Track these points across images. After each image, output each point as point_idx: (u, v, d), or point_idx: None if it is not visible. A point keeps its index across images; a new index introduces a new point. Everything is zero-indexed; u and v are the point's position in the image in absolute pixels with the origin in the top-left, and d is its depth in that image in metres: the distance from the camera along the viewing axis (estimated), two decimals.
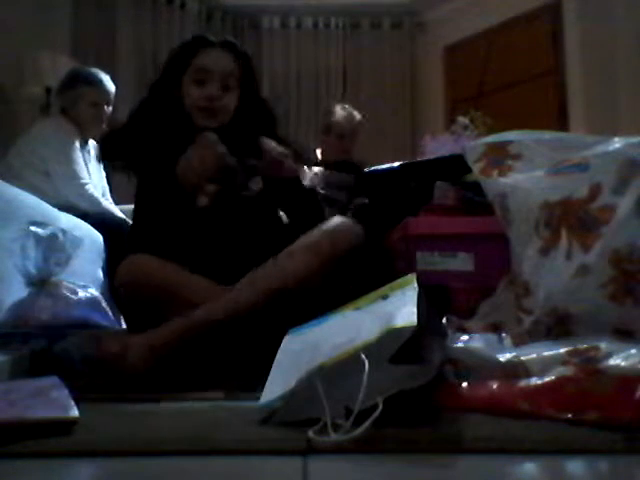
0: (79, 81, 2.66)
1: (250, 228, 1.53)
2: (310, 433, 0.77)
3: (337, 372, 0.87)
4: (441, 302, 1.50)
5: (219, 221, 1.52)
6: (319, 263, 1.21)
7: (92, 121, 2.66)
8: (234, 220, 1.53)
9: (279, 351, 1.10)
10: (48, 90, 3.45)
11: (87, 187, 2.52)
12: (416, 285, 1.04)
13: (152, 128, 1.52)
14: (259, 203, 1.56)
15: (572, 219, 1.28)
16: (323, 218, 1.54)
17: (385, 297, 1.07)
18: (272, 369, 1.03)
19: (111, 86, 2.72)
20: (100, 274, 2.29)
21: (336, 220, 1.41)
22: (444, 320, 1.29)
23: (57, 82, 2.85)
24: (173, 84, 1.58)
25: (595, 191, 1.28)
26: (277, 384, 0.95)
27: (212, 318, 1.27)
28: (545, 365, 0.99)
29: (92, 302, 1.61)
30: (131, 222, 1.79)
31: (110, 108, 2.72)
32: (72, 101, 2.64)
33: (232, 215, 1.53)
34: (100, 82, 2.68)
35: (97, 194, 2.58)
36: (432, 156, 2.01)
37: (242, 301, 1.29)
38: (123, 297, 1.41)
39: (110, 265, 2.32)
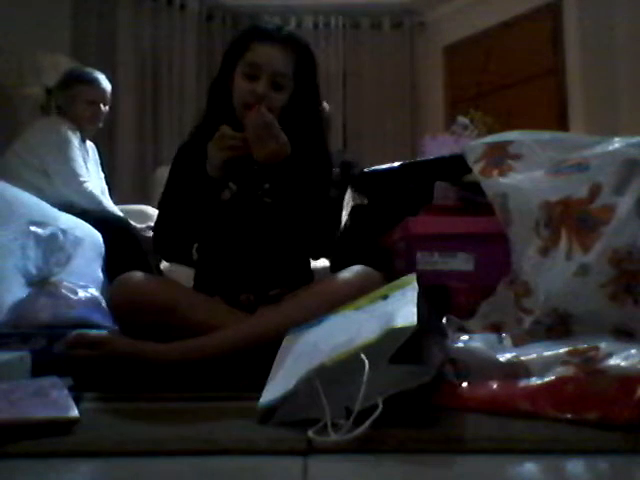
0: (75, 80, 2.67)
1: (265, 236, 1.52)
2: (310, 433, 0.77)
3: (337, 372, 0.87)
4: (441, 302, 1.50)
5: (238, 222, 1.52)
6: (335, 307, 1.21)
7: (89, 119, 2.67)
8: (252, 224, 1.52)
9: (279, 351, 1.10)
10: (48, 90, 3.45)
11: (86, 185, 2.52)
12: (416, 285, 1.04)
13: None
14: (281, 212, 1.52)
15: (572, 219, 1.28)
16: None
17: (385, 297, 1.07)
18: (272, 369, 1.04)
19: (107, 85, 2.72)
20: (100, 274, 2.29)
21: (357, 269, 1.39)
22: (444, 320, 1.29)
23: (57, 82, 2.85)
24: (227, 77, 1.53)
25: (595, 191, 1.28)
26: (277, 384, 0.95)
27: (225, 347, 1.27)
28: (545, 365, 0.99)
29: (92, 302, 1.61)
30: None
31: (107, 107, 2.73)
32: (69, 100, 2.64)
33: (249, 220, 1.52)
34: (96, 80, 2.69)
35: (96, 191, 2.58)
36: (432, 156, 2.01)
37: (257, 335, 1.29)
38: (119, 317, 1.39)
39: (110, 264, 2.33)
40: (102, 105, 2.69)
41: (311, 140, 1.53)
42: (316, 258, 1.66)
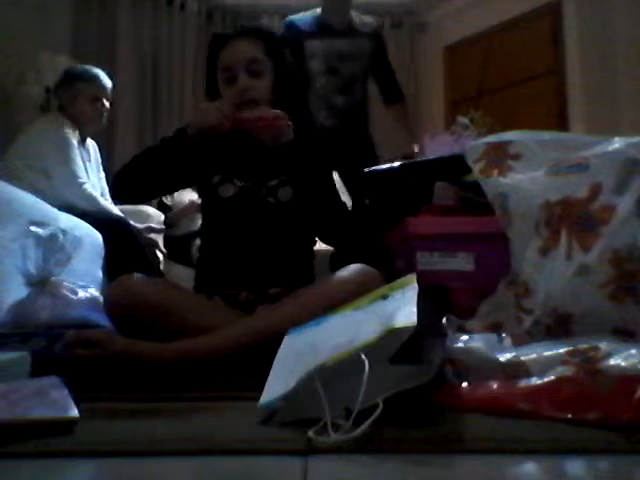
0: (76, 78, 2.66)
1: (266, 236, 1.53)
2: (310, 433, 0.77)
3: (337, 372, 0.87)
4: (441, 302, 1.50)
5: (240, 221, 1.53)
6: (334, 306, 1.21)
7: (92, 117, 2.66)
8: (255, 223, 1.53)
9: (279, 351, 1.10)
10: (48, 90, 3.44)
11: (85, 186, 2.51)
12: (416, 285, 1.04)
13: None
14: (282, 213, 1.54)
15: (572, 219, 1.28)
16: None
17: (385, 297, 1.07)
18: (272, 369, 1.03)
19: (108, 81, 2.72)
20: (100, 274, 2.29)
21: (356, 267, 1.40)
22: (444, 320, 1.29)
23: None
24: (215, 89, 1.56)
25: (595, 191, 1.28)
26: (277, 384, 0.95)
27: (223, 346, 1.28)
28: (545, 365, 0.99)
29: (92, 302, 1.61)
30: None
31: (108, 103, 2.72)
32: (71, 98, 2.63)
33: (251, 218, 1.53)
34: (97, 77, 2.69)
35: (95, 193, 2.57)
36: (432, 156, 2.01)
37: (256, 334, 1.29)
38: (116, 319, 1.39)
39: (110, 264, 2.32)
40: (105, 101, 2.69)
41: (302, 120, 1.54)
42: (336, 243, 1.66)
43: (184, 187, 1.62)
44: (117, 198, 1.71)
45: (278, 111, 1.46)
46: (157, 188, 1.54)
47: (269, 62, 1.51)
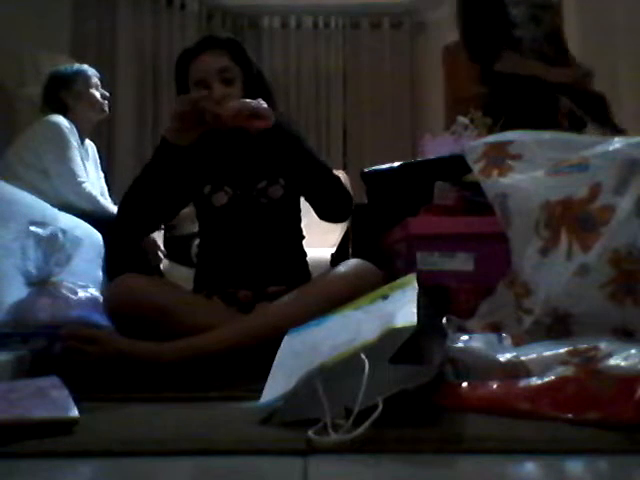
0: (74, 76, 2.67)
1: (263, 236, 1.54)
2: (310, 433, 0.77)
3: (337, 372, 0.87)
4: (441, 302, 1.50)
5: (235, 225, 1.54)
6: (333, 306, 1.21)
7: (101, 105, 2.70)
8: (249, 226, 1.54)
9: (279, 351, 1.10)
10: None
11: (84, 185, 2.52)
12: (416, 285, 1.04)
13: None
14: (276, 211, 1.56)
15: (572, 219, 1.28)
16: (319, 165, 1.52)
17: (385, 297, 1.07)
18: (272, 369, 1.03)
19: (90, 70, 2.74)
20: (100, 274, 2.29)
21: (353, 262, 1.40)
22: (444, 320, 1.29)
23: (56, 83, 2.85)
24: None
25: (595, 191, 1.28)
26: (277, 384, 0.95)
27: (223, 345, 1.28)
28: (545, 365, 0.99)
29: (92, 302, 1.61)
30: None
31: (101, 90, 2.74)
32: (76, 96, 2.65)
33: (247, 221, 1.54)
34: (89, 69, 2.72)
35: (95, 192, 2.58)
36: (432, 156, 2.01)
37: (255, 331, 1.29)
38: (116, 319, 1.38)
39: (109, 264, 2.33)
40: (95, 90, 2.71)
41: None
42: (344, 219, 1.66)
43: (183, 206, 1.62)
44: (123, 235, 1.73)
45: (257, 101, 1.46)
46: (159, 214, 1.54)
47: (237, 68, 1.55)
